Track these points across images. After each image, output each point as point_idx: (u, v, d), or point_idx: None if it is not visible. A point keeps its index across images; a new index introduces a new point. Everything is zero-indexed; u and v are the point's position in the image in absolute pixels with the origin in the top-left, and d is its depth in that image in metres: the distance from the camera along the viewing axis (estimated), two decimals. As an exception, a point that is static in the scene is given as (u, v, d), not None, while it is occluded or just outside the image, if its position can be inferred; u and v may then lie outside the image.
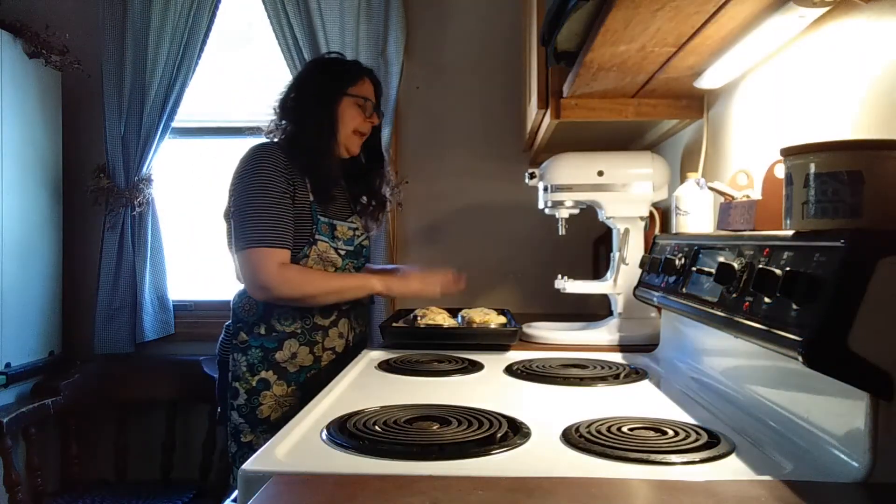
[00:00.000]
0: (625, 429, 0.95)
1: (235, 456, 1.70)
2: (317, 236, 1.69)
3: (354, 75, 1.80)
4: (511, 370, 1.42)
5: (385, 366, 1.47)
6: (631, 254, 1.80)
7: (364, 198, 1.90)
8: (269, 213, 1.63)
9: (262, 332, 1.70)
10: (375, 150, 1.91)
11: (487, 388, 1.30)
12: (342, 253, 1.75)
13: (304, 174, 1.70)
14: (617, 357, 1.58)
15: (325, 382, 1.69)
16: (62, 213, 2.73)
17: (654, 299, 1.38)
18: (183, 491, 2.41)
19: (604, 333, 1.77)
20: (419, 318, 1.82)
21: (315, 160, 1.70)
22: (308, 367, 1.71)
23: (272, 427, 1.65)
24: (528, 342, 1.78)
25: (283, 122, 1.76)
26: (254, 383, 1.69)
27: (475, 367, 1.47)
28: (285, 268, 1.63)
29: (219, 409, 1.79)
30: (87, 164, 2.74)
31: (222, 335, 1.79)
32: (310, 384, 1.69)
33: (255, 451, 1.64)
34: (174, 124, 2.73)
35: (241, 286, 1.73)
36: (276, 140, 1.76)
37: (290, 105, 1.76)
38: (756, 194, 1.23)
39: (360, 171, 1.89)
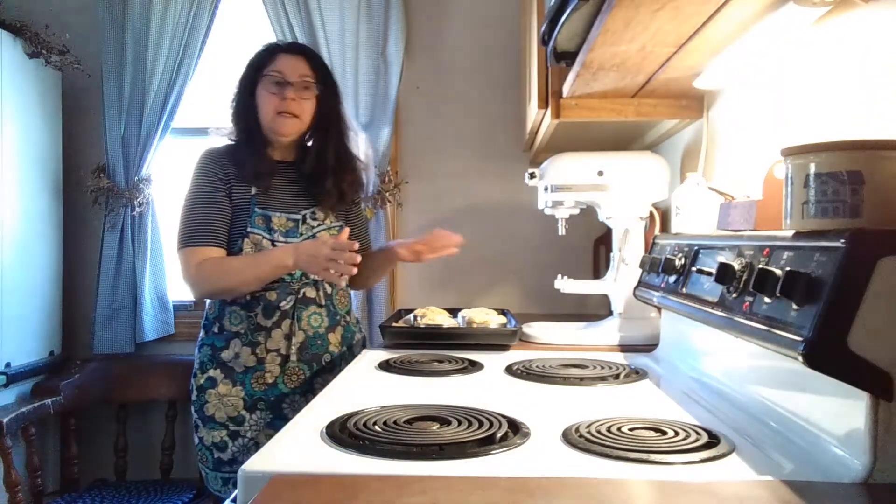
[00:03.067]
0: (625, 429, 0.95)
1: (196, 450, 1.74)
2: (248, 228, 1.69)
3: (266, 55, 1.74)
4: (511, 370, 1.42)
5: (385, 366, 1.47)
6: (631, 254, 1.80)
7: (325, 182, 1.76)
8: (193, 214, 1.68)
9: (216, 331, 1.72)
10: (325, 126, 1.78)
11: (487, 388, 1.30)
12: (280, 244, 1.70)
13: (236, 170, 1.71)
14: (617, 357, 1.58)
15: (273, 385, 1.68)
16: (62, 213, 2.73)
17: (654, 299, 1.38)
18: (183, 491, 2.42)
19: (604, 333, 1.77)
20: (419, 318, 1.82)
21: (240, 154, 1.72)
22: (253, 369, 1.69)
23: (218, 425, 1.68)
24: (528, 342, 1.78)
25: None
26: (202, 381, 1.70)
27: (475, 367, 1.46)
28: (203, 264, 1.64)
29: None
30: (87, 164, 2.74)
31: None
32: (256, 386, 1.69)
33: (205, 446, 1.69)
34: (174, 124, 2.73)
35: None
36: (229, 141, 1.79)
37: (231, 105, 1.78)
38: (756, 194, 1.23)
39: (314, 154, 1.79)
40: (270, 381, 1.69)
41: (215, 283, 1.66)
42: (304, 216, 1.76)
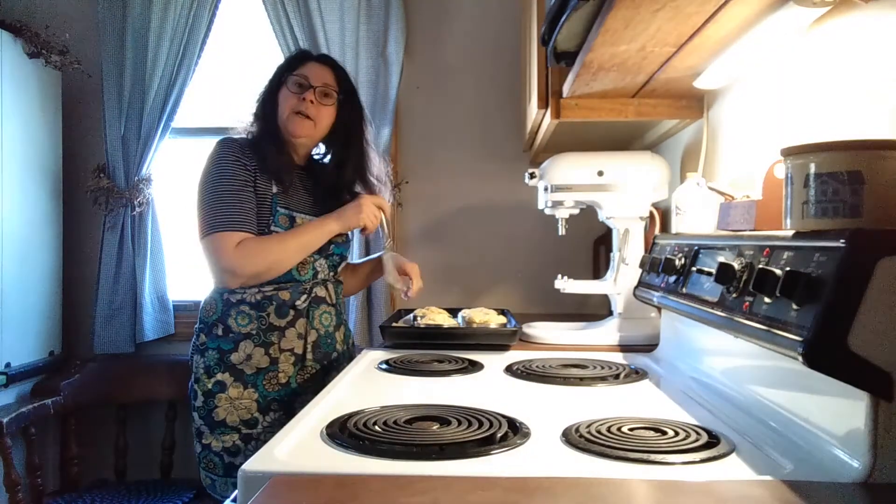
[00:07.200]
0: (625, 429, 0.95)
1: (199, 457, 1.69)
2: (272, 227, 1.67)
3: (296, 60, 1.79)
4: (511, 370, 1.42)
5: (385, 366, 1.47)
6: (631, 254, 1.80)
7: (342, 196, 1.84)
8: (225, 199, 1.62)
9: (220, 333, 1.68)
10: (345, 140, 1.83)
11: (487, 388, 1.30)
12: None
13: (258, 164, 1.69)
14: (617, 357, 1.58)
15: (286, 385, 1.68)
16: (62, 213, 2.73)
17: (654, 299, 1.38)
18: (183, 491, 2.41)
19: (604, 333, 1.77)
20: (419, 318, 1.82)
21: (261, 147, 1.71)
22: (266, 370, 1.67)
23: (230, 429, 1.65)
24: (528, 342, 1.78)
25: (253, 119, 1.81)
26: (210, 385, 1.66)
27: (475, 367, 1.47)
28: (243, 244, 1.60)
29: None
30: (87, 164, 2.74)
31: (193, 338, 1.77)
32: (269, 387, 1.67)
33: (214, 452, 1.66)
34: (174, 124, 2.73)
35: (211, 287, 1.73)
36: (247, 136, 1.78)
37: (256, 102, 1.81)
38: (756, 194, 1.23)
39: (333, 166, 1.85)
40: (284, 380, 1.68)
41: (260, 261, 1.61)
42: None
